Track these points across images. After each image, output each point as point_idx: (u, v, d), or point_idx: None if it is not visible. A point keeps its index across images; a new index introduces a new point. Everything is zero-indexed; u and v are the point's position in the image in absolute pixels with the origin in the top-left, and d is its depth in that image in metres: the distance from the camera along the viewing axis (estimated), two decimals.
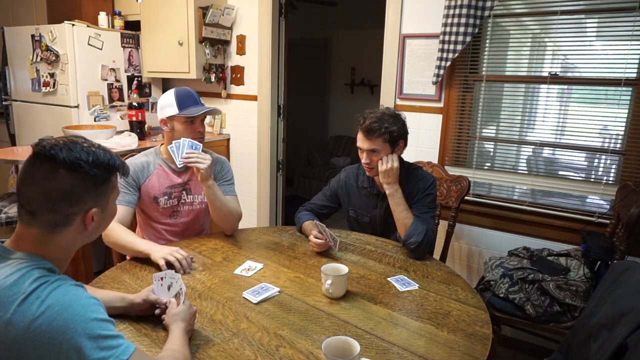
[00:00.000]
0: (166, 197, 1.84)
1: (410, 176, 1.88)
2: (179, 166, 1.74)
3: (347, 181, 2.00)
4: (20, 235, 0.90)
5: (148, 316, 1.25)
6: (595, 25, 2.26)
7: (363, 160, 1.82)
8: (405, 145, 1.86)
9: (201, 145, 1.78)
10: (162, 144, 1.89)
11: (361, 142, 1.79)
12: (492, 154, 2.63)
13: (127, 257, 1.79)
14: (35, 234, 0.89)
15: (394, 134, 1.77)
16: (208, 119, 3.52)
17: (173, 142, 1.72)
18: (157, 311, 1.23)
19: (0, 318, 0.79)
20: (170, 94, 1.79)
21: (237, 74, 3.38)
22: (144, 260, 1.61)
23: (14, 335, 0.78)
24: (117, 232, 1.63)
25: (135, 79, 3.47)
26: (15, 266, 0.85)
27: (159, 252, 1.53)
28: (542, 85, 2.42)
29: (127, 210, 1.75)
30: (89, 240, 1.00)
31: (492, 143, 2.60)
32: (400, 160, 1.89)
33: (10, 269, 0.84)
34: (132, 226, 1.79)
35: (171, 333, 1.09)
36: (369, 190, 1.94)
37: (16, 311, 0.79)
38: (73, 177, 0.89)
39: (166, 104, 1.78)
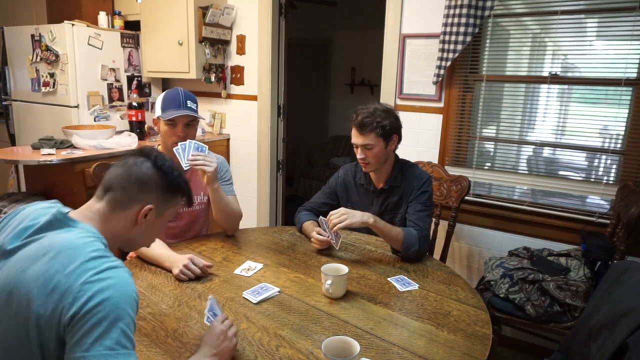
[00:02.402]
0: None
1: (405, 174, 1.88)
2: (185, 168, 1.72)
3: (345, 178, 2.00)
4: (88, 207, 1.00)
5: (148, 316, 1.25)
6: (595, 25, 2.26)
7: (358, 156, 1.82)
8: (399, 139, 1.85)
9: (206, 147, 1.76)
10: (159, 145, 1.88)
11: (355, 137, 1.80)
12: (492, 154, 2.63)
13: (127, 257, 1.79)
14: (99, 209, 0.99)
15: (386, 127, 1.76)
16: (207, 119, 3.53)
17: (179, 144, 1.69)
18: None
19: (65, 268, 0.82)
20: (162, 94, 1.80)
21: (237, 74, 3.38)
22: (143, 261, 1.61)
23: (65, 287, 0.81)
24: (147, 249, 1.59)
25: (135, 78, 3.47)
26: (80, 233, 0.91)
27: (176, 268, 1.50)
28: (542, 85, 2.42)
29: None
30: (129, 246, 1.09)
31: (492, 143, 2.60)
32: (395, 157, 1.89)
33: (77, 234, 0.91)
34: None
35: (195, 355, 1.05)
36: (365, 187, 1.94)
37: (78, 268, 0.83)
38: (154, 171, 1.03)
39: (157, 104, 1.80)
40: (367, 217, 1.66)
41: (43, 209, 0.95)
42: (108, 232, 0.97)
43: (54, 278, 0.81)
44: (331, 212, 1.67)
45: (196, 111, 1.80)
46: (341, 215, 1.63)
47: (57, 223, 0.92)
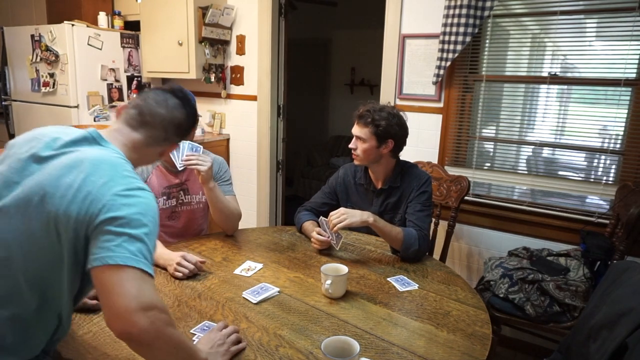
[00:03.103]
0: (165, 198, 1.84)
1: (405, 174, 1.88)
2: (180, 169, 1.73)
3: (345, 178, 2.00)
4: (120, 132, 1.07)
5: None
6: (595, 25, 2.26)
7: (350, 145, 1.83)
8: (397, 146, 1.83)
9: (201, 147, 1.77)
10: None
11: (353, 127, 1.83)
12: (492, 154, 2.63)
13: None
14: (134, 139, 1.07)
15: (380, 128, 1.75)
16: (207, 119, 3.53)
17: None
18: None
19: (99, 178, 0.89)
20: None
21: (237, 74, 3.38)
22: None
23: (97, 195, 0.87)
24: None
25: (135, 79, 3.47)
26: (113, 152, 0.98)
27: (170, 266, 1.51)
28: (542, 86, 2.42)
29: None
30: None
31: (492, 143, 2.60)
32: (396, 158, 1.90)
33: (110, 152, 0.97)
34: None
35: None
36: (365, 187, 1.95)
37: (111, 180, 0.89)
38: (187, 118, 1.15)
39: None
40: (367, 217, 1.66)
41: (77, 129, 1.03)
42: (132, 158, 1.04)
43: (88, 186, 0.88)
44: (331, 213, 1.68)
45: None
46: (341, 215, 1.64)
47: (91, 140, 0.99)
